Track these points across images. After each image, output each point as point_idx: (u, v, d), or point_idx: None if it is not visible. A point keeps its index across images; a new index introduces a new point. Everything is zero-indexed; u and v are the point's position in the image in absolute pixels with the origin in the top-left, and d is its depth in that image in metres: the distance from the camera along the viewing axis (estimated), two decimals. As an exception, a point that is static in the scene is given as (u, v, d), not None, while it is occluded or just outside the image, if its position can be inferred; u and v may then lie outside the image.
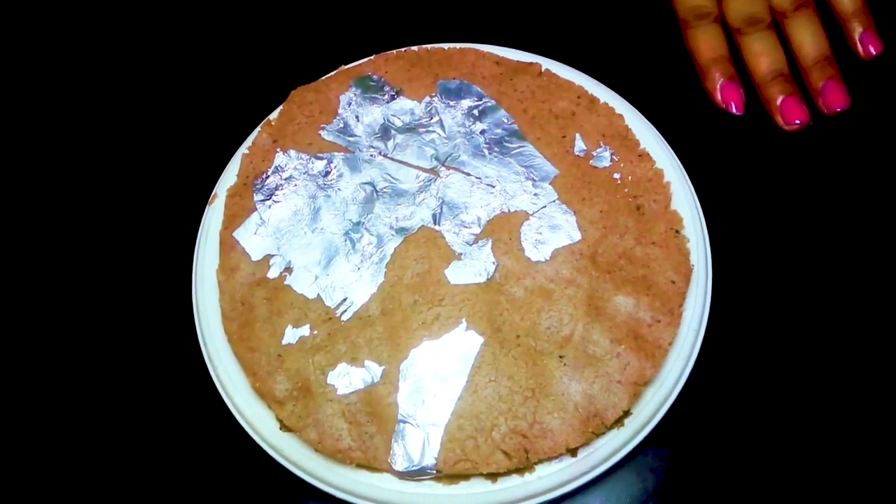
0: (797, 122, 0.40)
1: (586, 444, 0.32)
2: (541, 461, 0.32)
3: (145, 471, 0.36)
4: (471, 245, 0.36)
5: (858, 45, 0.42)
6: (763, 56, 0.41)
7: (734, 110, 0.41)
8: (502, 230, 0.36)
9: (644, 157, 0.38)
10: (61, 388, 0.38)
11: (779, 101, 0.41)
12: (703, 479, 0.34)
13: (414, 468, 0.31)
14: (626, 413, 0.32)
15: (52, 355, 0.39)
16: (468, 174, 0.38)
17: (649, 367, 0.33)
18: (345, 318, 0.35)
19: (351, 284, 0.35)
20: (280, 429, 0.33)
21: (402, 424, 0.32)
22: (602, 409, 0.32)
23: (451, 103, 0.40)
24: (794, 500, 0.33)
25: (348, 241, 0.37)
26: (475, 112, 0.40)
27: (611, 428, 0.32)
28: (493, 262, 0.36)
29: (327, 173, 0.39)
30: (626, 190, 0.37)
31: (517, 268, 0.35)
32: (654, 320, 0.34)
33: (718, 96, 0.41)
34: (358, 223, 0.37)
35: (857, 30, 0.42)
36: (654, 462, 0.34)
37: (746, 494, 0.34)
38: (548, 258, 0.36)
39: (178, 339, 0.37)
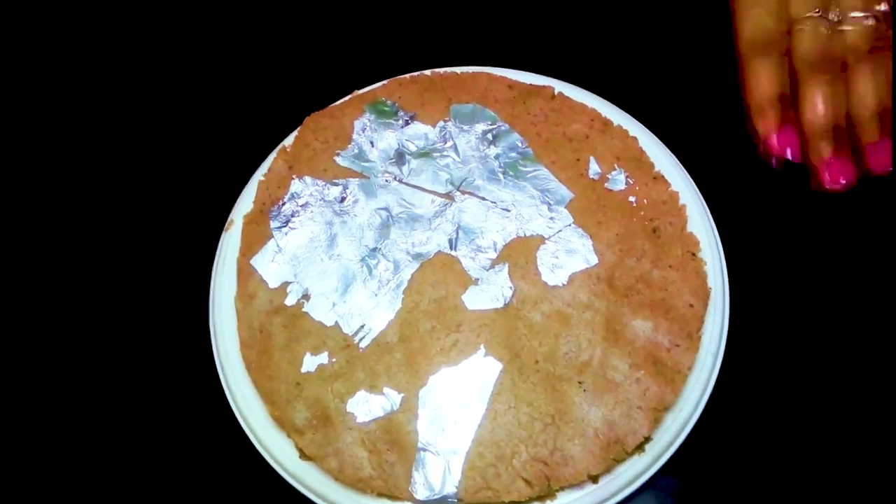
0: (842, 181, 0.36)
1: (608, 471, 0.32)
2: (562, 488, 0.31)
3: (165, 501, 0.36)
4: (487, 270, 0.36)
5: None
6: (823, 105, 0.37)
7: (790, 157, 0.37)
8: (518, 255, 0.36)
9: (659, 179, 0.38)
10: (81, 418, 0.38)
11: (828, 157, 0.36)
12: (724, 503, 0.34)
13: (435, 497, 0.31)
14: (647, 439, 0.32)
15: (70, 386, 0.39)
16: (483, 198, 0.38)
17: (669, 392, 0.33)
18: (363, 345, 0.35)
19: (368, 311, 0.36)
20: (300, 457, 0.33)
21: (422, 452, 0.32)
22: (623, 436, 0.32)
23: (465, 127, 0.40)
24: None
25: (365, 268, 0.37)
26: (489, 136, 0.40)
27: (631, 454, 0.32)
28: (511, 287, 0.36)
29: (343, 199, 0.39)
30: (641, 213, 0.37)
31: (534, 292, 0.35)
32: (673, 344, 0.34)
33: (774, 141, 0.37)
34: (374, 249, 0.37)
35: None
36: (675, 487, 0.34)
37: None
38: (565, 282, 0.36)
39: (197, 367, 0.37)
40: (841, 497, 0.34)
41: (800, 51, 0.37)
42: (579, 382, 0.33)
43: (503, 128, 0.40)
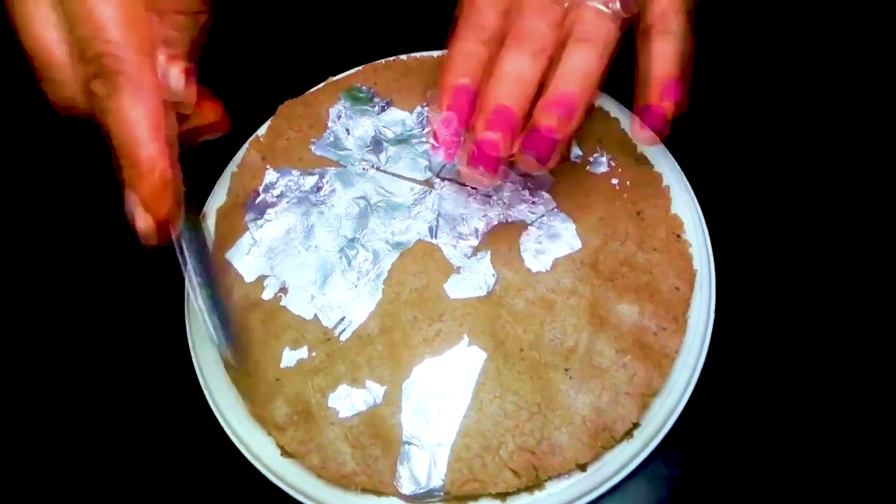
0: (480, 168, 0.31)
1: (596, 458, 0.31)
2: (550, 478, 0.31)
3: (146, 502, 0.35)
4: (469, 258, 0.35)
5: (638, 119, 0.33)
6: (509, 79, 0.31)
7: (441, 155, 0.33)
8: (501, 241, 0.36)
9: (642, 161, 0.37)
10: (58, 418, 0.37)
11: (477, 138, 0.31)
12: (715, 486, 0.34)
13: (421, 491, 0.31)
14: (635, 425, 0.32)
15: (47, 385, 0.38)
16: (463, 185, 0.37)
17: (657, 376, 0.32)
18: (343, 337, 0.34)
19: (348, 303, 0.35)
20: (281, 455, 0.32)
21: (406, 446, 0.31)
22: (611, 423, 0.31)
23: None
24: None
25: (344, 259, 0.36)
26: (468, 121, 0.39)
27: (620, 441, 0.32)
28: (493, 275, 0.35)
29: (319, 189, 0.38)
30: (625, 195, 0.36)
31: (517, 279, 0.35)
32: (660, 328, 0.33)
33: (437, 123, 0.32)
34: (353, 239, 0.36)
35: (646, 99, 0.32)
36: (664, 472, 0.34)
37: (757, 500, 0.33)
38: (548, 268, 0.35)
39: (174, 366, 0.36)
40: (831, 479, 0.33)
41: (509, 25, 0.32)
42: (565, 369, 0.32)
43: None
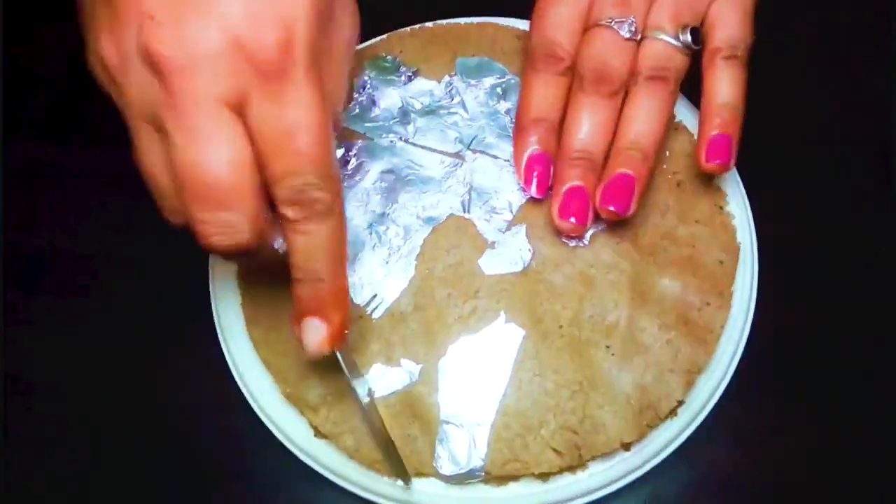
0: (573, 220, 0.32)
1: (641, 437, 0.30)
2: (594, 458, 0.30)
3: (176, 484, 0.34)
4: (504, 232, 0.34)
5: (703, 149, 0.32)
6: (586, 126, 0.32)
7: (533, 190, 0.33)
8: (536, 215, 0.34)
9: (681, 130, 0.36)
10: (88, 404, 0.36)
11: (563, 190, 0.32)
12: (761, 465, 0.33)
13: (462, 471, 0.30)
14: (680, 403, 0.31)
15: (67, 368, 0.37)
16: (496, 157, 0.36)
17: (702, 353, 0.31)
18: (376, 315, 0.33)
19: (380, 280, 0.34)
20: (315, 435, 0.31)
21: (445, 426, 0.30)
22: (655, 401, 0.30)
23: (473, 82, 0.38)
24: (853, 482, 0.32)
25: (374, 234, 0.35)
26: (498, 90, 0.38)
27: (665, 419, 0.31)
28: (529, 250, 0.34)
29: (347, 163, 0.36)
30: (664, 166, 0.35)
31: (554, 254, 0.33)
32: (704, 303, 0.32)
33: (521, 166, 0.33)
34: (383, 214, 0.35)
35: (713, 130, 0.32)
36: (709, 451, 0.33)
37: (802, 481, 0.32)
38: (586, 243, 0.34)
39: (202, 345, 0.35)
40: (878, 456, 0.33)
41: (581, 60, 0.33)
42: (607, 346, 0.31)
43: (513, 81, 0.38)
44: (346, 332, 0.29)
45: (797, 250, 0.36)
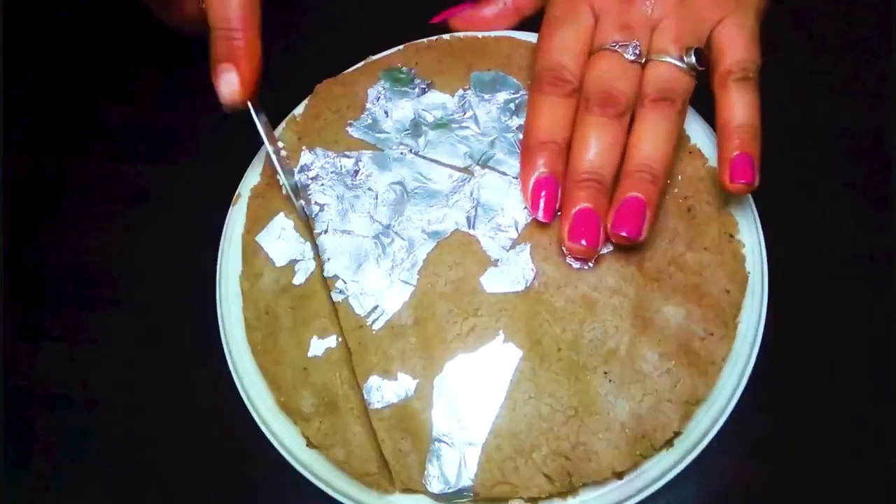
0: (583, 242, 0.32)
1: (634, 467, 0.30)
2: (585, 485, 0.30)
3: (172, 482, 0.35)
4: (508, 250, 0.34)
5: (726, 170, 0.32)
6: (593, 148, 0.32)
7: (540, 214, 0.33)
8: (541, 234, 0.34)
9: (695, 154, 0.35)
10: (85, 400, 0.37)
11: (572, 212, 0.32)
12: (758, 501, 0.32)
13: (450, 490, 0.30)
14: (677, 434, 0.30)
15: (74, 367, 0.38)
16: (504, 174, 0.36)
17: (702, 384, 0.31)
18: (376, 327, 0.33)
19: (382, 291, 0.34)
20: (307, 445, 0.32)
21: (437, 443, 0.30)
22: (651, 430, 0.30)
23: (486, 97, 0.38)
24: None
25: (378, 245, 0.35)
26: (512, 106, 0.37)
27: (659, 449, 0.30)
28: (532, 269, 0.33)
29: (356, 172, 0.36)
30: (675, 190, 0.35)
31: (558, 275, 0.33)
32: (707, 333, 0.32)
33: (528, 189, 0.33)
34: (388, 226, 0.35)
35: (733, 151, 0.32)
36: (705, 484, 0.32)
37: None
38: (591, 265, 0.33)
39: (207, 350, 0.36)
40: (882, 495, 0.32)
41: (587, 83, 0.33)
42: (605, 373, 0.31)
43: (527, 97, 0.37)
44: (256, 81, 0.32)
45: (810, 281, 0.35)
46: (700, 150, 0.35)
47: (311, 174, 0.36)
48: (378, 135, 0.37)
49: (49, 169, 0.44)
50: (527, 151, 0.34)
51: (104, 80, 0.46)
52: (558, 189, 0.33)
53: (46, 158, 0.44)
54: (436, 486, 0.30)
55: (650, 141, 0.32)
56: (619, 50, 0.32)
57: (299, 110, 0.39)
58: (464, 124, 0.37)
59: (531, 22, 0.40)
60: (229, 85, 0.32)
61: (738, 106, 0.32)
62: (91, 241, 0.42)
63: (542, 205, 0.33)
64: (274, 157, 0.34)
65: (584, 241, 0.32)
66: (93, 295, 0.40)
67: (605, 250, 0.33)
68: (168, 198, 0.43)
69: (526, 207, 0.34)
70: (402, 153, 0.37)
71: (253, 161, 0.39)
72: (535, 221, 0.34)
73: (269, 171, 0.37)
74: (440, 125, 0.37)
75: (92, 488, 0.35)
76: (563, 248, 0.32)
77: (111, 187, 0.44)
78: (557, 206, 0.33)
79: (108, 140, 0.44)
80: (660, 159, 0.32)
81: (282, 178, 0.34)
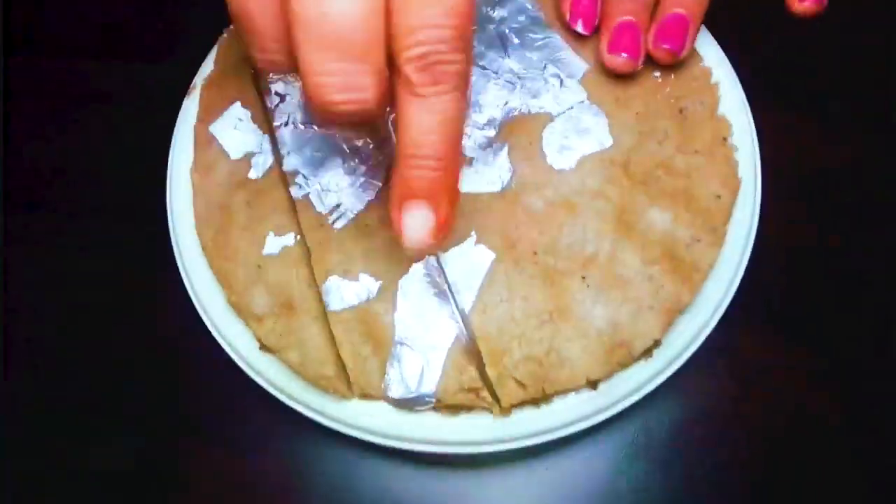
0: (623, 55, 0.31)
1: (609, 376, 0.28)
2: (557, 392, 0.28)
3: (120, 386, 0.33)
4: (484, 149, 0.31)
5: None
6: None
7: (580, 28, 0.32)
8: (521, 133, 0.31)
9: (690, 52, 0.32)
10: (30, 297, 0.34)
11: (613, 24, 0.31)
12: (741, 419, 0.30)
13: (410, 395, 0.27)
14: (656, 343, 0.28)
15: (19, 266, 0.35)
16: (483, 68, 0.33)
17: (686, 291, 0.28)
18: (338, 225, 0.30)
19: (345, 189, 0.31)
20: (259, 348, 0.29)
21: (399, 347, 0.28)
22: (629, 338, 0.28)
23: (467, -14, 0.34)
24: (841, 451, 0.30)
25: (343, 141, 0.32)
26: (494, -4, 0.34)
27: (638, 359, 0.28)
28: (510, 170, 0.31)
29: (321, 62, 0.33)
30: (667, 90, 0.32)
31: (537, 176, 0.31)
32: (694, 239, 0.29)
33: (567, 2, 0.32)
34: (355, 120, 0.32)
35: None
36: (684, 399, 0.30)
37: (784, 445, 0.30)
38: (573, 166, 0.31)
39: (155, 248, 0.33)
40: (873, 421, 0.30)
41: None
42: (583, 277, 0.29)
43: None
44: (452, 223, 0.24)
45: (806, 192, 0.33)
46: (695, 49, 0.33)
47: (272, 62, 0.33)
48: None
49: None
50: None
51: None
52: (597, 2, 0.32)
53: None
54: (396, 391, 0.28)
55: None
56: None
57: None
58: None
59: None
60: (422, 228, 0.23)
61: None
62: (43, 141, 0.38)
63: (580, 17, 0.32)
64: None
65: (624, 54, 0.31)
66: (46, 196, 0.37)
67: (590, 151, 0.31)
68: (121, 96, 0.40)
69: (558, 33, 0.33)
70: (372, 44, 0.34)
71: (212, 50, 0.35)
72: (517, 119, 0.31)
73: (225, 59, 0.34)
74: (415, 15, 0.34)
75: (36, 391, 0.33)
76: (604, 63, 0.31)
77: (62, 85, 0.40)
78: (597, 20, 0.32)
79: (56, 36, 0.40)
80: None
81: None
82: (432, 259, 0.29)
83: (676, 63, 0.31)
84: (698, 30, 0.31)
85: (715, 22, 0.33)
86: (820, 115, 0.36)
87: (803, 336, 0.32)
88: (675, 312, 0.28)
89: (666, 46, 0.30)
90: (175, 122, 0.33)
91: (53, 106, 0.40)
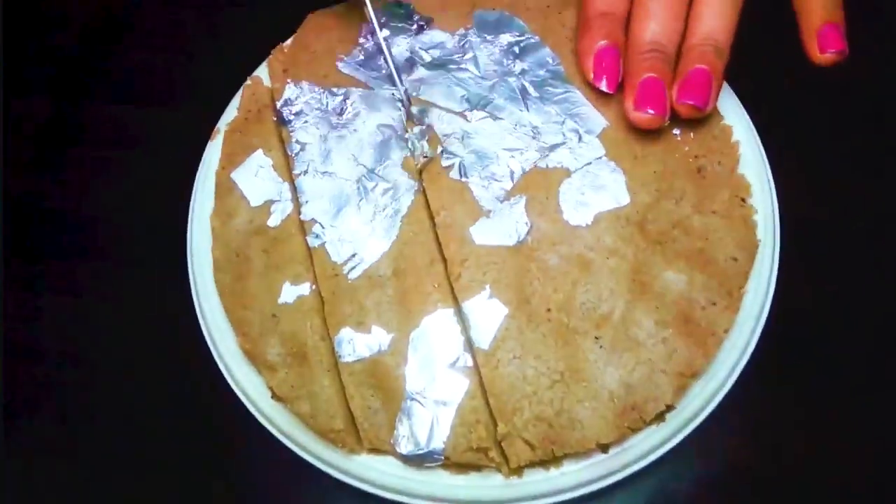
0: (651, 111, 0.31)
1: (620, 440, 0.27)
2: (567, 456, 0.27)
3: (132, 428, 0.33)
4: (501, 202, 0.31)
5: (813, 41, 0.30)
6: (657, 19, 0.31)
7: (604, 85, 0.32)
8: (538, 187, 0.31)
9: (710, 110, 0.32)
10: (47, 343, 0.35)
11: (637, 82, 0.31)
12: (752, 483, 0.30)
13: (420, 452, 0.27)
14: (669, 407, 0.28)
15: (40, 308, 0.36)
16: (502, 120, 0.33)
17: (700, 356, 0.28)
18: (352, 276, 0.30)
19: (361, 239, 0.31)
20: (271, 397, 0.29)
21: (408, 402, 0.28)
22: (641, 402, 0.28)
23: (489, 38, 0.35)
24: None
25: (361, 190, 0.32)
26: (515, 49, 0.34)
27: (650, 424, 0.28)
28: (526, 223, 0.31)
29: (342, 111, 0.34)
30: (686, 148, 0.32)
31: (553, 231, 0.31)
32: (710, 302, 0.29)
33: (589, 62, 0.32)
34: (372, 170, 0.32)
35: (819, 21, 0.30)
36: (696, 464, 0.30)
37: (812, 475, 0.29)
38: (589, 223, 0.31)
39: (174, 291, 0.33)
40: (885, 481, 0.29)
41: None
42: (596, 338, 0.29)
43: (532, 41, 0.34)
44: None
45: (826, 256, 0.33)
46: (715, 107, 0.33)
47: (295, 109, 0.34)
48: (370, 72, 0.35)
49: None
50: (585, 23, 0.32)
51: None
52: (620, 61, 0.32)
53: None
54: (405, 447, 0.27)
55: (713, 14, 0.31)
56: None
57: (288, 42, 0.36)
58: (462, 66, 0.34)
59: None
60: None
61: None
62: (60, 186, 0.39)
63: (604, 76, 0.32)
64: (384, 44, 0.32)
65: (650, 110, 0.31)
66: (72, 241, 0.38)
67: (606, 208, 0.31)
68: (147, 140, 0.41)
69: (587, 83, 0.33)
70: (393, 94, 0.34)
71: (234, 97, 0.36)
72: (533, 172, 0.32)
73: (248, 105, 0.34)
74: (437, 65, 0.35)
75: (47, 436, 0.33)
76: (630, 121, 0.31)
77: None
78: (620, 77, 0.32)
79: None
80: (724, 33, 0.31)
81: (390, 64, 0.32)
82: (452, 309, 0.29)
83: (701, 118, 0.31)
84: (721, 84, 0.31)
85: (737, 76, 0.34)
86: (840, 171, 0.35)
87: (822, 394, 0.32)
88: (688, 377, 0.28)
89: (690, 102, 0.30)
90: (195, 167, 0.34)
91: (74, 150, 0.41)
